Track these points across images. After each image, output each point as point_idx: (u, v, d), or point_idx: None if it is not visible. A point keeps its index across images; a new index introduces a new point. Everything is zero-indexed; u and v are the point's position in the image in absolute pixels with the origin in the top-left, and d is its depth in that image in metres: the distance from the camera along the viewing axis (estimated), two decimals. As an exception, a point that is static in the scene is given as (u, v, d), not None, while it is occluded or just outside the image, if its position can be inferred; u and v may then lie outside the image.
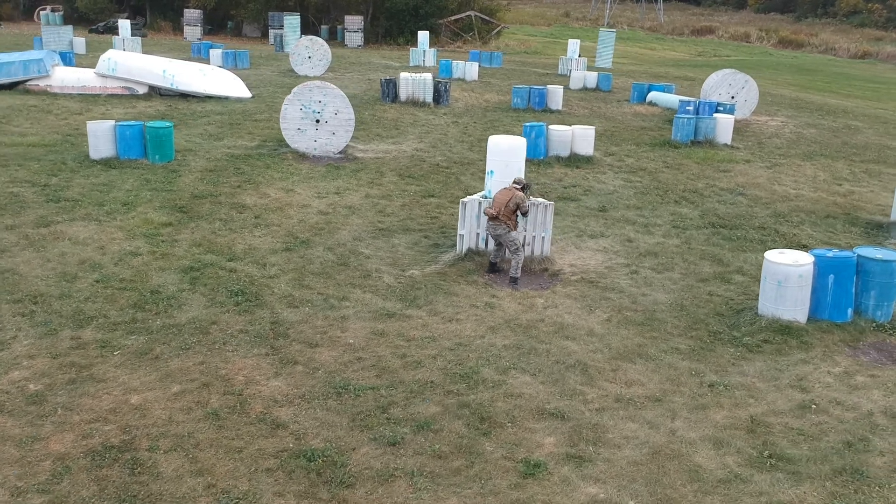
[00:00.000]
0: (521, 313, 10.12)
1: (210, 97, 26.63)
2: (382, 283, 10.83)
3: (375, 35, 58.03)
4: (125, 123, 17.33)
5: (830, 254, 10.13)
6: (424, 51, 41.32)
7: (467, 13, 59.49)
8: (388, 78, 27.57)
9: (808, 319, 10.07)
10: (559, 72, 39.44)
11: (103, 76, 26.42)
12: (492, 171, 12.05)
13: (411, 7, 56.12)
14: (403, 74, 27.65)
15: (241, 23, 61.50)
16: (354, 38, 54.55)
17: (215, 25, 63.75)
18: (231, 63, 36.52)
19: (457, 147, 20.41)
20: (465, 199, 11.88)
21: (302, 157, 18.62)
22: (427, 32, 44.08)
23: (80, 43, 40.46)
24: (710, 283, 11.39)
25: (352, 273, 11.18)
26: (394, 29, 57.54)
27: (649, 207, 15.41)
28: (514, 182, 11.48)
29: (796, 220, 14.80)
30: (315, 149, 18.93)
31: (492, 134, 18.07)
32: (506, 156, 11.85)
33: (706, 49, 64.12)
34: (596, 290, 11.03)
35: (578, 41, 41.12)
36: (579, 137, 19.38)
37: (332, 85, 19.24)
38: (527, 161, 18.73)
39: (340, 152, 19.08)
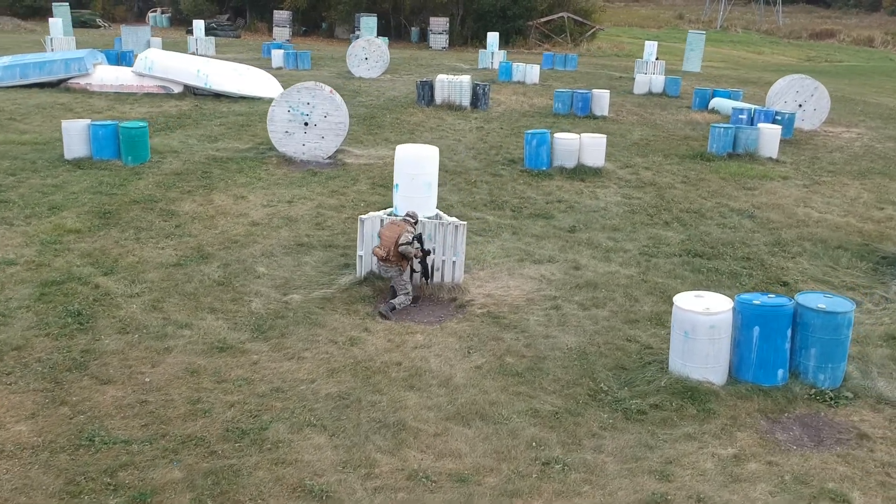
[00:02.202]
0: (381, 353, 8.65)
1: (244, 97, 26.14)
2: (246, 310, 9.58)
3: (464, 37, 56.91)
4: (99, 123, 16.80)
5: (759, 300, 8.15)
6: (493, 52, 39.79)
7: (559, 14, 57.49)
8: (423, 80, 26.29)
9: (730, 380, 8.15)
10: (635, 75, 37.05)
11: (140, 75, 26.38)
12: (397, 185, 10.59)
13: (498, 8, 54.68)
14: (440, 77, 26.34)
15: (334, 24, 61.68)
16: (439, 40, 53.61)
17: (310, 27, 64.35)
18: (292, 64, 36.21)
19: (462, 155, 18.94)
20: (364, 217, 10.46)
21: (288, 161, 17.63)
22: (496, 34, 42.50)
23: (156, 43, 41.14)
24: (638, 326, 9.55)
25: (223, 296, 9.99)
26: (481, 31, 56.14)
27: (629, 229, 13.51)
28: (407, 215, 10.02)
29: (795, 251, 12.58)
30: (303, 153, 17.89)
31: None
32: (412, 168, 10.37)
33: (819, 53, 59.60)
34: (493, 329, 9.40)
35: (656, 43, 38.59)
36: (588, 147, 17.54)
37: (324, 86, 18.15)
38: (526, 172, 17.18)
39: (330, 157, 17.97)
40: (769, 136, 19.52)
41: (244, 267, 11.03)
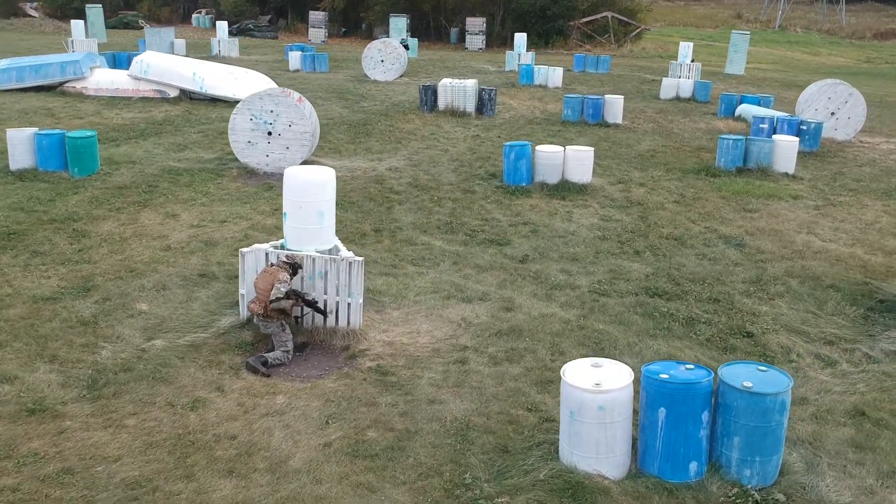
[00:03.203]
0: (220, 422, 7.24)
1: (238, 101, 25.00)
2: (90, 360, 8.26)
3: (503, 38, 55.23)
4: (44, 132, 15.77)
5: (668, 373, 6.48)
6: (520, 54, 38.09)
7: (603, 14, 55.37)
8: (426, 85, 24.82)
9: (635, 472, 6.51)
10: (668, 77, 34.95)
11: (136, 78, 25.53)
12: (286, 214, 9.16)
13: (538, 8, 52.88)
14: (443, 81, 24.83)
15: (372, 25, 60.67)
16: (475, 41, 52.13)
17: (351, 27, 63.51)
18: (309, 67, 35.17)
19: (442, 168, 17.43)
20: (245, 250, 9.05)
21: (249, 173, 16.39)
22: (524, 35, 40.71)
23: (180, 45, 40.62)
24: (549, 390, 7.94)
25: (76, 340, 8.70)
26: (519, 31, 54.36)
27: (590, 259, 11.83)
28: (285, 259, 8.59)
29: (776, 290, 10.74)
30: (267, 164, 16.62)
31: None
32: (299, 195, 8.92)
33: (880, 55, 56.19)
34: (372, 390, 7.90)
35: (691, 44, 36.32)
36: (573, 161, 15.85)
37: (292, 92, 16.86)
38: (502, 188, 15.58)
39: (295, 170, 16.59)
40: (785, 149, 17.52)
41: (124, 302, 9.74)
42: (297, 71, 35.05)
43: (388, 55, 32.79)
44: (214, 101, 25.20)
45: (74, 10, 68.47)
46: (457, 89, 24.16)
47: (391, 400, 7.72)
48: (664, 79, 29.83)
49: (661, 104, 27.89)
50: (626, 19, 56.28)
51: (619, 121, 23.45)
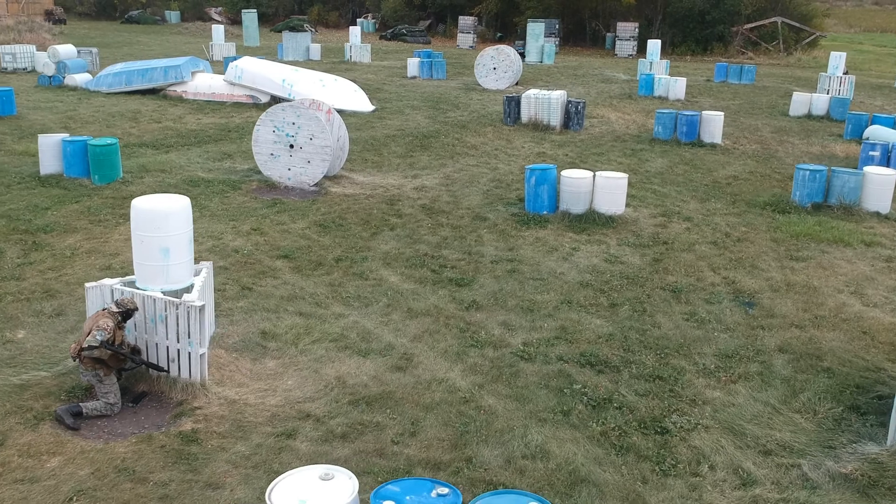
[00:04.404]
0: (-38, 485, 6.46)
1: (324, 109, 24.71)
2: None
3: (662, 44, 52.20)
4: (70, 139, 15.94)
5: (399, 501, 4.97)
6: (652, 62, 35.51)
7: (772, 19, 51.06)
8: (510, 96, 23.37)
9: None
10: (816, 91, 31.34)
11: (231, 84, 25.89)
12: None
13: (696, 13, 49.52)
14: (528, 92, 23.27)
15: (525, 29, 59.39)
16: (625, 47, 49.63)
17: (506, 32, 62.55)
18: (427, 73, 34.55)
19: (473, 189, 16.14)
20: (90, 285, 8.24)
21: (270, 187, 15.84)
22: (658, 41, 37.90)
23: (315, 49, 41.31)
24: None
25: (-88, 369, 8.26)
26: (676, 37, 51.31)
27: (548, 311, 10.14)
28: (116, 304, 7.69)
29: (749, 370, 8.62)
30: (289, 178, 16.00)
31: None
32: (140, 228, 8.00)
33: None
34: (162, 461, 6.86)
35: (844, 54, 32.27)
36: (602, 190, 14.03)
37: (315, 102, 16.14)
38: (518, 216, 13.96)
39: (316, 184, 15.91)
40: (877, 184, 14.69)
41: (3, 327, 9.25)
42: (413, 78, 34.53)
43: (500, 62, 31.49)
44: (301, 107, 24.97)
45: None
46: (541, 101, 22.55)
47: (167, 477, 6.63)
48: (794, 93, 26.54)
49: (783, 122, 24.82)
50: (798, 25, 51.55)
51: (717, 140, 20.95)
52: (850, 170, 14.99)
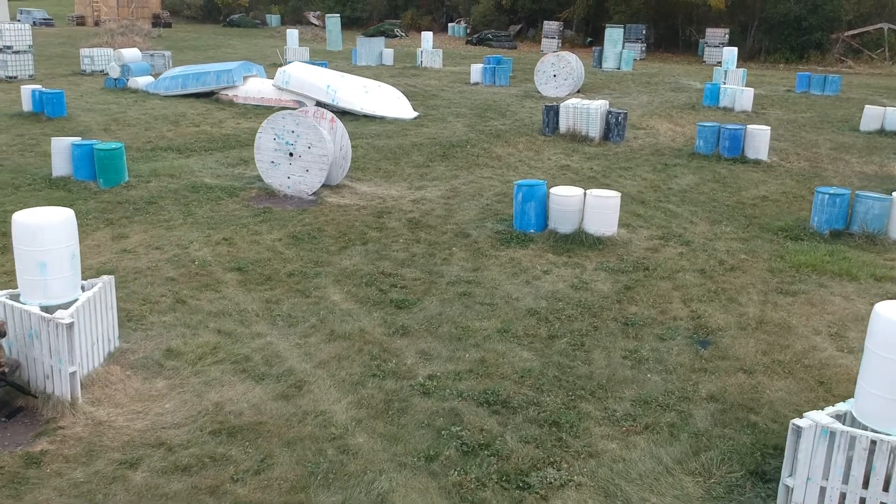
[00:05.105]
0: None
1: (366, 116, 24.66)
2: None
3: (752, 51, 50.02)
4: (79, 143, 16.27)
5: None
6: (726, 71, 33.78)
7: (877, 26, 48.00)
8: (549, 105, 22.58)
9: None
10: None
11: (280, 89, 26.10)
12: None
13: (792, 19, 47.02)
14: (566, 102, 22.43)
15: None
16: (714, 54, 47.56)
17: (597, 38, 61.19)
18: (489, 80, 34.01)
19: (473, 203, 15.58)
20: (-25, 296, 8.18)
21: (269, 195, 15.75)
22: (735, 49, 35.98)
23: (388, 54, 41.40)
24: (166, 524, 6.18)
25: None
26: (771, 44, 48.92)
27: (477, 340, 9.52)
28: None
29: (660, 420, 7.76)
30: (288, 186, 15.88)
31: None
32: (18, 241, 7.88)
33: None
34: (-14, 484, 6.69)
35: (935, 64, 29.74)
36: (592, 209, 13.23)
37: (319, 111, 15.98)
38: (501, 235, 13.27)
39: (314, 193, 15.72)
40: (907, 211, 13.29)
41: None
42: (476, 84, 34.04)
43: (560, 69, 30.62)
44: (344, 113, 24.94)
45: (347, 18, 73.15)
46: (580, 111, 21.69)
47: (-15, 503, 6.43)
48: (867, 107, 24.59)
49: (849, 138, 23.04)
50: (906, 31, 48.26)
51: (762, 156, 19.59)
52: (878, 194, 13.59)
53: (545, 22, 54.23)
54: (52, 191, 15.47)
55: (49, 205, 14.26)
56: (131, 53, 31.04)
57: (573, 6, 56.85)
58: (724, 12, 49.72)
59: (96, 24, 68.82)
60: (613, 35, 41.35)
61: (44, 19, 69.35)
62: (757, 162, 19.37)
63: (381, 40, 42.84)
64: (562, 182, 17.00)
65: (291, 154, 15.69)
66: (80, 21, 71.27)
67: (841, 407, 6.50)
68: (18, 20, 68.94)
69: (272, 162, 15.92)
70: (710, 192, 16.74)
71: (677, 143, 21.87)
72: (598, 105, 21.81)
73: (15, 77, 30.76)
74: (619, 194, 13.43)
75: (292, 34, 41.74)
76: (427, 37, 41.91)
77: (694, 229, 14.09)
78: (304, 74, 25.80)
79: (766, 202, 16.03)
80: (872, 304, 10.61)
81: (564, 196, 13.30)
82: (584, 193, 13.32)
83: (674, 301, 10.82)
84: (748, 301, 10.86)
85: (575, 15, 56.25)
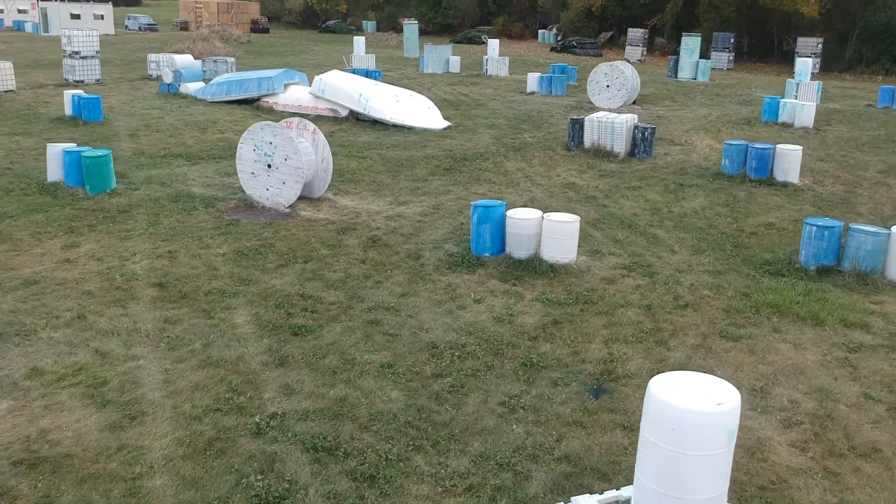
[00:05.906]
0: None
1: (396, 126, 24.36)
2: None
3: (849, 61, 47.05)
4: (70, 149, 16.55)
5: None
6: (798, 84, 31.67)
7: None
8: (574, 118, 21.62)
9: None
10: None
11: (316, 97, 26.13)
12: None
13: (894, 27, 43.90)
14: (590, 116, 21.41)
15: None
16: (804, 65, 44.80)
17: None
18: (546, 89, 33.10)
19: (447, 222, 14.95)
20: None
21: (246, 206, 15.62)
22: (809, 60, 33.62)
23: (455, 62, 41.02)
24: None
25: None
26: (869, 54, 45.87)
27: (350, 376, 8.93)
28: None
29: (493, 482, 7.00)
30: (267, 198, 15.70)
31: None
32: None
33: None
34: None
35: None
36: (548, 234, 12.40)
37: (302, 122, 15.74)
38: (455, 258, 12.57)
39: (290, 206, 15.47)
40: (903, 249, 11.83)
41: None
42: (532, 93, 33.20)
43: (614, 80, 29.42)
44: (375, 122, 24.74)
45: (438, 24, 73.31)
46: (604, 126, 20.65)
47: None
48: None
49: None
50: None
51: (793, 178, 18.09)
52: (873, 228, 12.14)
53: (630, 29, 52.61)
54: (38, 196, 15.76)
55: (27, 210, 14.54)
56: (182, 59, 31.75)
57: (662, 13, 54.95)
58: (818, 21, 46.90)
59: (198, 29, 71.36)
60: (689, 44, 39.56)
61: (148, 24, 72.57)
62: (784, 185, 17.89)
63: (448, 48, 42.45)
64: (558, 201, 16.17)
65: (269, 165, 15.45)
66: (184, 26, 74.16)
67: (624, 492, 5.58)
68: (126, 25, 72.39)
69: (252, 173, 15.74)
70: (713, 217, 15.50)
71: (709, 161, 20.50)
72: (625, 119, 20.69)
73: (82, 81, 31.99)
74: (579, 218, 12.51)
75: (359, 41, 41.87)
76: (493, 44, 41.20)
77: (669, 259, 13.00)
78: (339, 83, 25.68)
79: (770, 231, 14.69)
80: (825, 356, 9.47)
81: (520, 219, 12.50)
82: (542, 217, 12.46)
83: (595, 341, 9.89)
84: (678, 345, 9.82)
85: (665, 22, 54.30)
